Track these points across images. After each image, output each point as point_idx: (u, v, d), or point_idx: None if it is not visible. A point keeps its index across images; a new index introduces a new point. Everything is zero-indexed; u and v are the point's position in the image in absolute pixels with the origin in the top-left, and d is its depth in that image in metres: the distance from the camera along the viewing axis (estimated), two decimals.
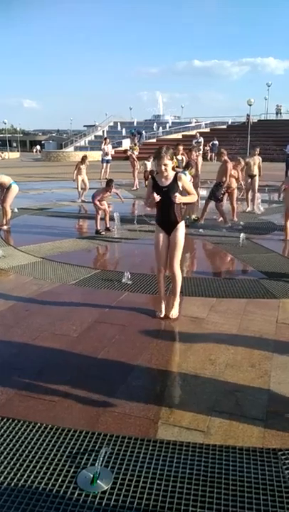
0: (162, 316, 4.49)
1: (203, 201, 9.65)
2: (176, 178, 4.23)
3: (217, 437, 2.69)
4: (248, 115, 37.03)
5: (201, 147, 16.74)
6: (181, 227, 4.39)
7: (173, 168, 4.29)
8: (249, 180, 11.26)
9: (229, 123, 43.92)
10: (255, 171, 11.18)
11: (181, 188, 4.24)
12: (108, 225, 8.85)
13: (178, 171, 4.53)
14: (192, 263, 7.04)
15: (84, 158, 13.62)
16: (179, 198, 4.15)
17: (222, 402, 3.07)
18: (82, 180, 13.40)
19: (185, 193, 4.39)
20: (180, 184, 4.23)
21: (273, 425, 2.82)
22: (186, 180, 4.34)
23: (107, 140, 21.14)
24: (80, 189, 13.32)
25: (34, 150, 47.99)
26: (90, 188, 12.95)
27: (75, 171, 13.35)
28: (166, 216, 4.34)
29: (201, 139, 25.68)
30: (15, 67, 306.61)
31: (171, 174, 4.23)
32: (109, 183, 8.59)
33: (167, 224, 4.36)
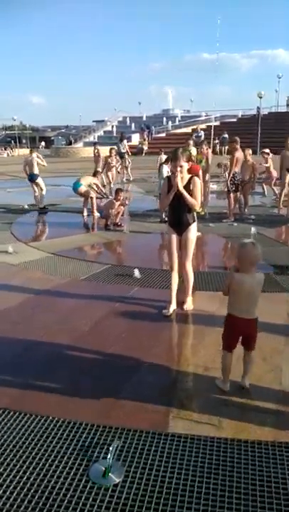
0: (168, 314, 4.45)
1: (213, 195, 9.56)
2: (190, 181, 4.25)
3: (229, 431, 2.69)
4: (258, 108, 36.61)
5: (201, 139, 16.35)
6: (193, 229, 4.43)
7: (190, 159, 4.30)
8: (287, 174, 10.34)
9: (239, 116, 43.50)
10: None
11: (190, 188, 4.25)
12: (118, 221, 8.86)
13: (193, 174, 4.48)
14: (202, 257, 7.01)
15: (111, 150, 13.76)
16: (180, 186, 4.15)
17: (233, 396, 3.06)
18: (108, 177, 13.27)
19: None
20: (191, 186, 4.24)
21: (285, 419, 2.81)
22: (198, 185, 4.32)
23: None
24: (111, 185, 13.19)
25: (40, 146, 48.04)
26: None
27: (105, 167, 13.25)
28: (178, 217, 4.37)
29: (202, 133, 25.23)
30: (16, 66, 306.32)
31: (186, 176, 4.25)
32: (117, 191, 8.96)
33: (179, 225, 4.39)
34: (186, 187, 4.23)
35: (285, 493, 2.21)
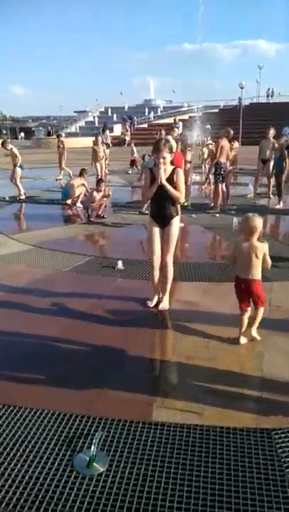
0: (152, 306, 4.43)
1: (196, 186, 9.58)
2: (173, 173, 4.13)
3: (212, 419, 2.72)
4: (239, 98, 36.71)
5: (179, 132, 15.97)
6: (176, 222, 4.30)
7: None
8: (262, 165, 10.56)
9: (221, 106, 43.55)
10: (268, 155, 10.26)
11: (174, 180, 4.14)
12: (100, 212, 8.81)
13: (176, 166, 4.35)
14: (185, 248, 7.03)
15: (97, 137, 13.31)
16: (163, 179, 4.04)
17: (216, 384, 3.09)
18: (101, 167, 12.80)
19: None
20: (175, 178, 4.13)
21: (266, 406, 2.86)
22: (181, 176, 4.20)
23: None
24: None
25: (20, 137, 46.98)
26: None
27: (91, 157, 12.81)
28: (161, 210, 4.23)
29: (180, 124, 25.16)
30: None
31: (169, 168, 4.14)
32: (99, 182, 8.95)
33: (162, 218, 4.25)
34: (170, 179, 4.11)
35: (266, 477, 2.26)
